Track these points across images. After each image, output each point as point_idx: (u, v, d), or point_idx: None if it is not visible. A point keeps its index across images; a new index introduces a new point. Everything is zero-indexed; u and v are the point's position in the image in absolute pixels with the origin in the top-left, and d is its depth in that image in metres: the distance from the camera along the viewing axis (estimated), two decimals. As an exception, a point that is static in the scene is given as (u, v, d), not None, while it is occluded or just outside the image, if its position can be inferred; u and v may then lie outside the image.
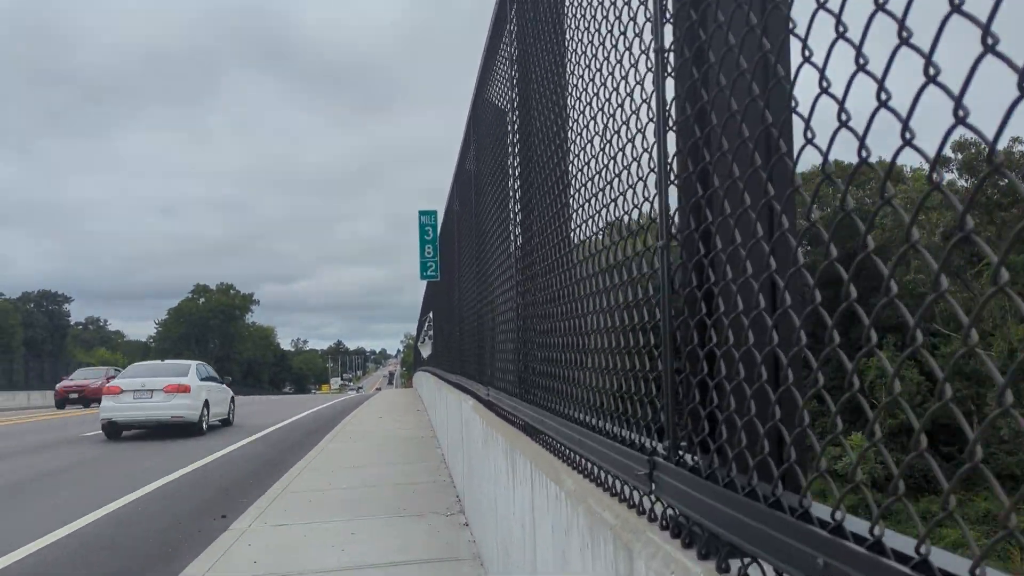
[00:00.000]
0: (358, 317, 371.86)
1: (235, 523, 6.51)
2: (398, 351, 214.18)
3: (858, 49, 1.01)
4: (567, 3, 2.78)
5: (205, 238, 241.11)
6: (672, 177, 1.70)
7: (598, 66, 2.26)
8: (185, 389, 16.19)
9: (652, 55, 1.76)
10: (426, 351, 15.75)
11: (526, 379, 3.67)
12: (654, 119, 1.75)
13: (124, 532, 6.98)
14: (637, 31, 1.88)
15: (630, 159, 1.94)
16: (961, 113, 0.81)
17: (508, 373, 4.37)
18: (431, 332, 15.33)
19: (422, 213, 12.71)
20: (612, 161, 2.12)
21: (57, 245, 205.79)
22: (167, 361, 20.72)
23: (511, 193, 4.19)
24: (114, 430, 16.03)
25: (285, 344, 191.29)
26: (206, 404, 16.74)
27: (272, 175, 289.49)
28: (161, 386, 16.05)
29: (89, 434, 17.16)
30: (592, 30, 2.34)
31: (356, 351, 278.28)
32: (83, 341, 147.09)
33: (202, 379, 17.47)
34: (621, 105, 2.02)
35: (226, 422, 18.57)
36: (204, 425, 16.44)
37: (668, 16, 1.71)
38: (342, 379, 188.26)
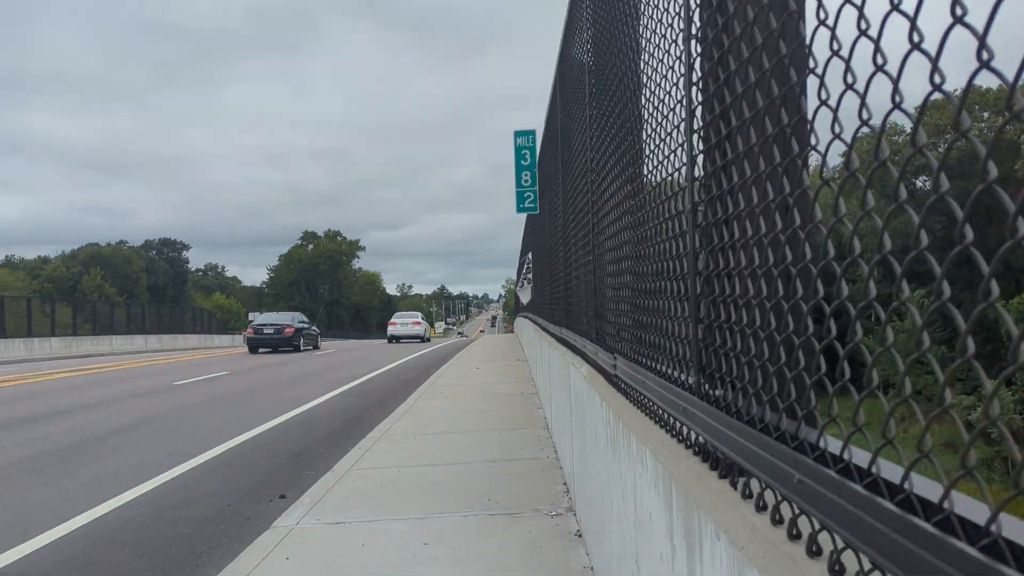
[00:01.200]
0: (460, 263, 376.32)
1: (281, 518, 5.10)
2: (500, 296, 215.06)
3: None
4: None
5: (311, 186, 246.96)
6: (696, 125, 1.89)
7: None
8: (418, 323, 42.38)
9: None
10: (525, 296, 14.16)
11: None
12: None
13: (163, 517, 5.73)
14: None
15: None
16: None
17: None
18: (530, 275, 13.72)
19: (518, 134, 10.39)
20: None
21: (174, 195, 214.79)
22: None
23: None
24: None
25: (391, 289, 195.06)
26: (424, 329, 42.90)
27: (372, 123, 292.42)
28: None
29: (184, 382, 16.55)
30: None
31: (459, 296, 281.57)
32: (203, 287, 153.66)
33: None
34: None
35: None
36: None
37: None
38: (446, 323, 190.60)
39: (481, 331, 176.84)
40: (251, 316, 39.82)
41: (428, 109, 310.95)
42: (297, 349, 31.30)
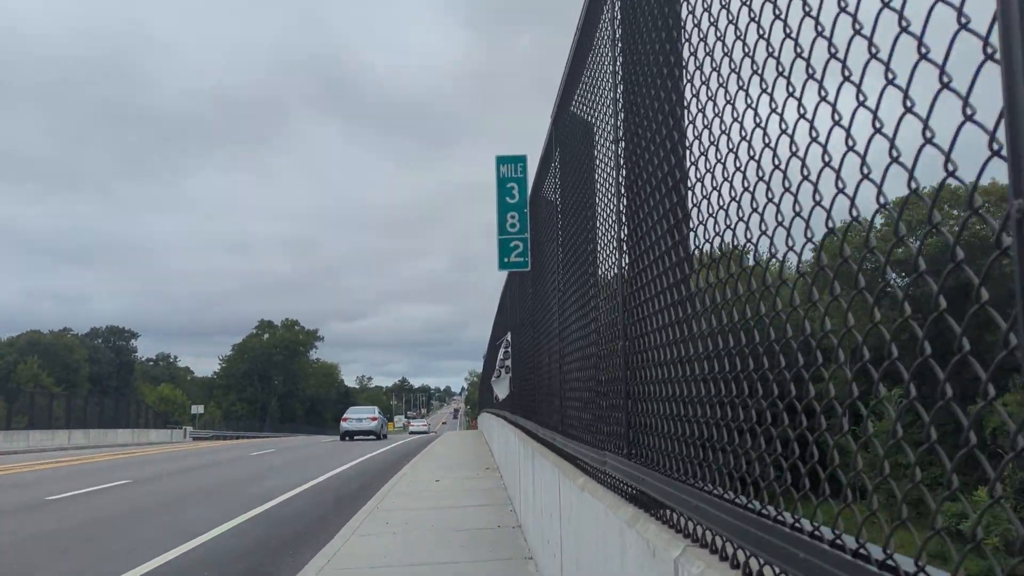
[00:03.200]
0: (423, 354, 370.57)
1: None
2: (462, 388, 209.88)
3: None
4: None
5: (273, 276, 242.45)
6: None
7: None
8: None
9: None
10: (502, 390, 10.84)
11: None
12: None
13: None
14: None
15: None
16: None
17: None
18: (508, 362, 10.48)
19: (501, 160, 6.72)
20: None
21: (131, 283, 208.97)
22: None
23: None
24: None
25: (350, 381, 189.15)
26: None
27: (338, 214, 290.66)
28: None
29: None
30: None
31: (421, 388, 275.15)
32: (152, 377, 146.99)
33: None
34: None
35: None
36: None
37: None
38: (406, 416, 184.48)
39: (444, 423, 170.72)
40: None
41: (394, 201, 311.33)
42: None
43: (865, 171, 1.28)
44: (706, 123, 2.11)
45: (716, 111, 2.01)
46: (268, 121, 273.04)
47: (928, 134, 1.10)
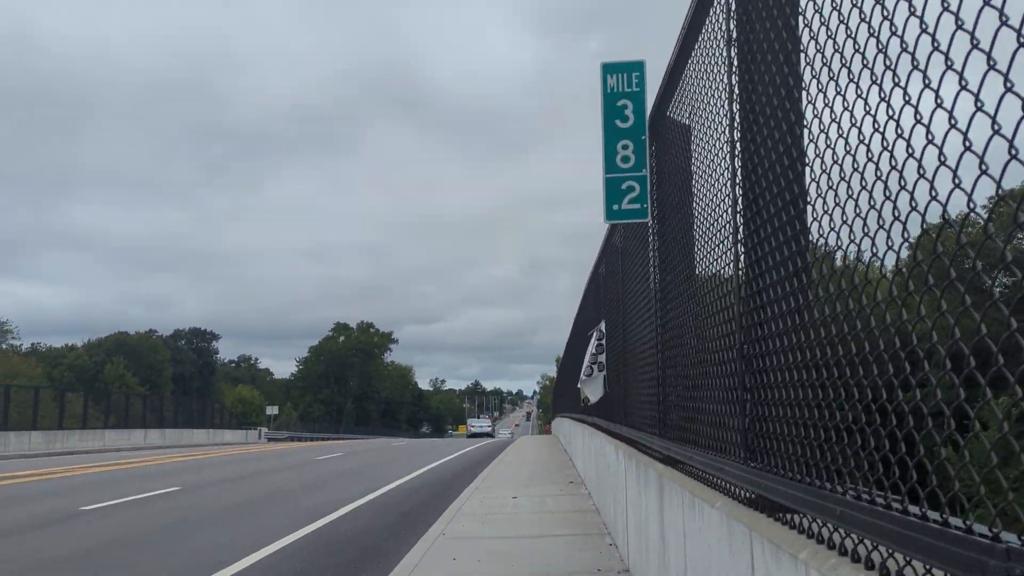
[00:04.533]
0: (495, 358, 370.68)
1: None
2: (534, 392, 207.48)
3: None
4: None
5: (349, 281, 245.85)
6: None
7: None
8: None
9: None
10: (593, 391, 8.87)
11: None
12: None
13: None
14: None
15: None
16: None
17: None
18: (602, 357, 8.54)
19: (609, 70, 4.82)
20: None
21: (213, 288, 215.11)
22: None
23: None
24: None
25: (423, 383, 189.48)
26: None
27: (412, 221, 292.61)
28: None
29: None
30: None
31: (493, 391, 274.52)
32: (233, 378, 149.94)
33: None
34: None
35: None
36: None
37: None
38: (479, 420, 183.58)
39: (516, 425, 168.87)
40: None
41: (466, 208, 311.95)
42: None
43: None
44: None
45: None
46: (342, 131, 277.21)
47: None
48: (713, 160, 3.53)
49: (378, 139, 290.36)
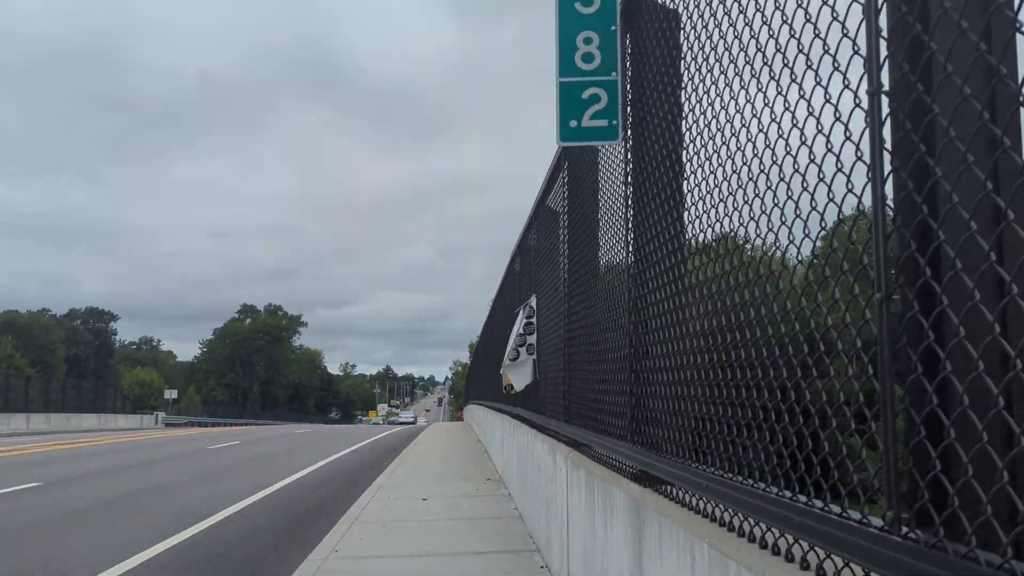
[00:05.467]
0: (407, 343, 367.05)
1: None
2: (447, 378, 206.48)
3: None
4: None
5: (258, 262, 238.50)
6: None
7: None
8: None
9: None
10: (520, 377, 7.52)
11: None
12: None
13: None
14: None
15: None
16: None
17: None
18: (532, 338, 7.24)
19: None
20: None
21: (115, 267, 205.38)
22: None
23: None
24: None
25: (333, 368, 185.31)
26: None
27: (323, 201, 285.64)
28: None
29: None
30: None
31: (405, 377, 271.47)
32: (134, 360, 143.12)
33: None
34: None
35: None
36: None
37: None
38: (389, 406, 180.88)
39: (427, 411, 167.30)
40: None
41: (380, 190, 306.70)
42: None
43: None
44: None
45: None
46: (253, 107, 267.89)
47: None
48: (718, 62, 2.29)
49: (290, 117, 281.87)
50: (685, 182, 2.78)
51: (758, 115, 2.06)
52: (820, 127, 1.70)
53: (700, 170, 2.57)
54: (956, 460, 1.26)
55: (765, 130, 2.01)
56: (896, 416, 1.38)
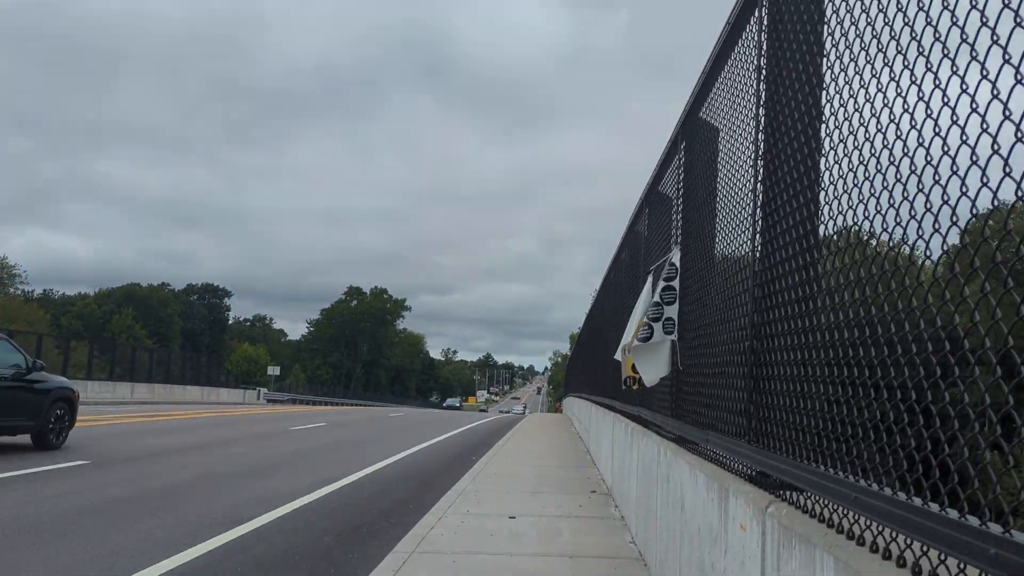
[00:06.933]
0: (508, 332, 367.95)
1: None
2: (546, 368, 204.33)
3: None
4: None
5: (366, 247, 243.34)
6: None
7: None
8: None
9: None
10: (652, 365, 5.10)
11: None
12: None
13: None
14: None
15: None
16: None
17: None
18: (672, 309, 4.88)
19: None
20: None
21: (233, 247, 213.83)
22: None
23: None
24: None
25: (435, 353, 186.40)
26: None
27: (432, 189, 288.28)
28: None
29: None
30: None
31: (504, 365, 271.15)
32: (248, 337, 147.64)
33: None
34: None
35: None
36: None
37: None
38: (488, 392, 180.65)
39: (519, 400, 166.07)
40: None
41: (487, 179, 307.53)
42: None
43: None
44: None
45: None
46: (367, 96, 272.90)
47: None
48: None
49: (402, 105, 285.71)
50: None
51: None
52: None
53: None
54: None
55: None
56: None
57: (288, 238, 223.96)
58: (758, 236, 3.20)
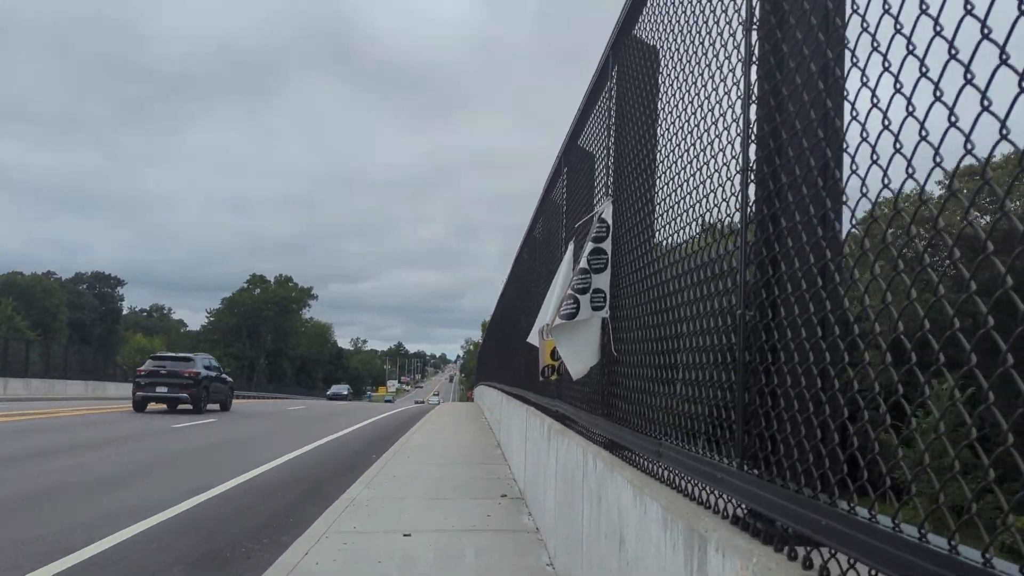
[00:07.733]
0: (420, 320, 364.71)
1: None
2: (458, 356, 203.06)
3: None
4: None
5: (271, 234, 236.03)
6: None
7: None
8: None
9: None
10: (579, 349, 4.09)
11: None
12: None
13: None
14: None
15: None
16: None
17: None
18: (602, 278, 3.84)
19: None
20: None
21: (127, 234, 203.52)
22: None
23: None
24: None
25: (344, 343, 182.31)
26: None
27: (338, 176, 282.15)
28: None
29: None
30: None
31: (416, 354, 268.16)
32: (144, 327, 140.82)
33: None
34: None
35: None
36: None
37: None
38: (399, 382, 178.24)
39: (435, 393, 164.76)
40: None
41: (396, 166, 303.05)
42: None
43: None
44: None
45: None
46: (269, 78, 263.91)
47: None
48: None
49: (307, 89, 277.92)
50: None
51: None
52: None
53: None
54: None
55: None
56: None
57: (188, 224, 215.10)
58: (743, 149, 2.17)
